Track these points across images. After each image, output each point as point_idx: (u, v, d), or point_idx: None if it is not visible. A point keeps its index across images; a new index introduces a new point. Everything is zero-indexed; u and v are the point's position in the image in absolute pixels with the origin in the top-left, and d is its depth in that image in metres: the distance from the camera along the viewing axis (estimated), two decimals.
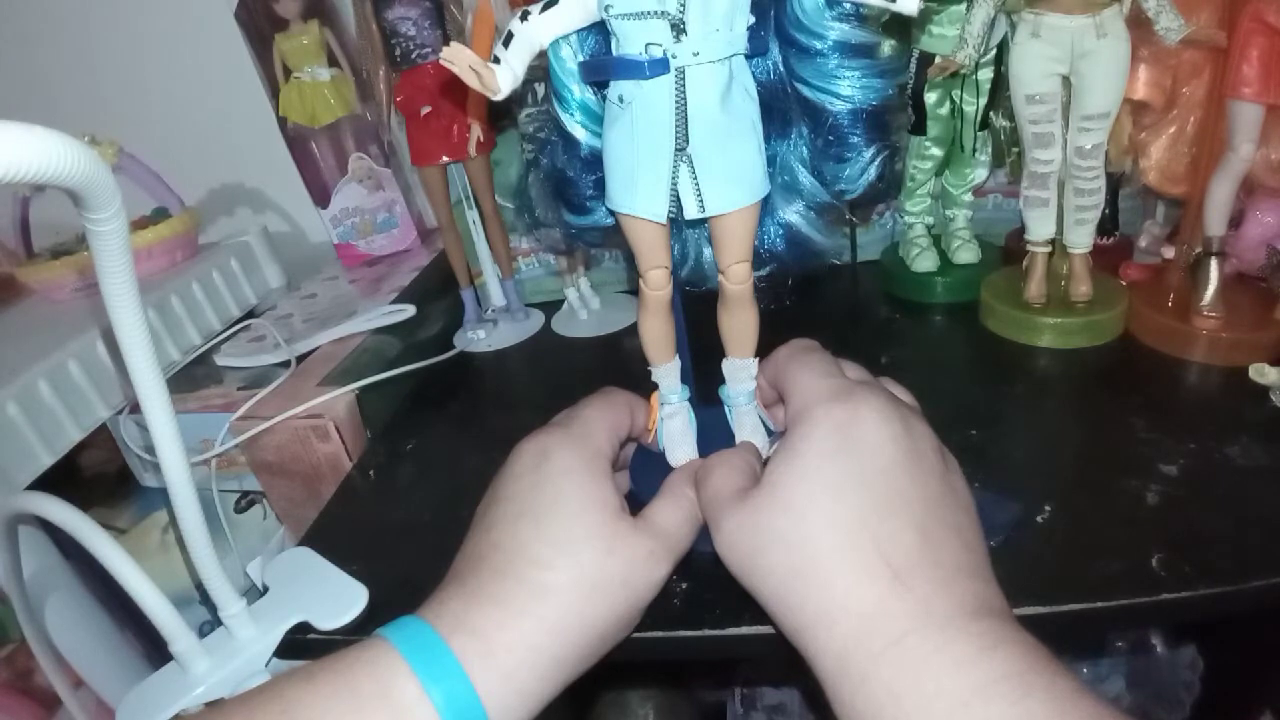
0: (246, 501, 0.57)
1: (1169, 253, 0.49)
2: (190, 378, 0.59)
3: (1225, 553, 0.31)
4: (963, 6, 0.46)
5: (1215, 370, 0.44)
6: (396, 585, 0.36)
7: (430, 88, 0.55)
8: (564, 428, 0.32)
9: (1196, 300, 0.44)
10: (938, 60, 0.47)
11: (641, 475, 0.37)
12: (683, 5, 0.26)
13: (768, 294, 0.33)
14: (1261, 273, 0.46)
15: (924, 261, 0.56)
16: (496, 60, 0.27)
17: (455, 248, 0.60)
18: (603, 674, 0.29)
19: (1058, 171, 0.46)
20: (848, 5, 0.28)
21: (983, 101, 0.51)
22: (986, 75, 0.50)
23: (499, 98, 0.27)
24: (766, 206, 0.32)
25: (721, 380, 0.36)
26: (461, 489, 0.34)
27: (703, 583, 0.33)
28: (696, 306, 0.35)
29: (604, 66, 0.29)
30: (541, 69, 0.31)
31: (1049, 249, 0.49)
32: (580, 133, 0.32)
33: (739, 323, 0.33)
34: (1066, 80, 0.44)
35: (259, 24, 0.67)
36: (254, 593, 0.38)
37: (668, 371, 0.35)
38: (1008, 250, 0.58)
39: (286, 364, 0.55)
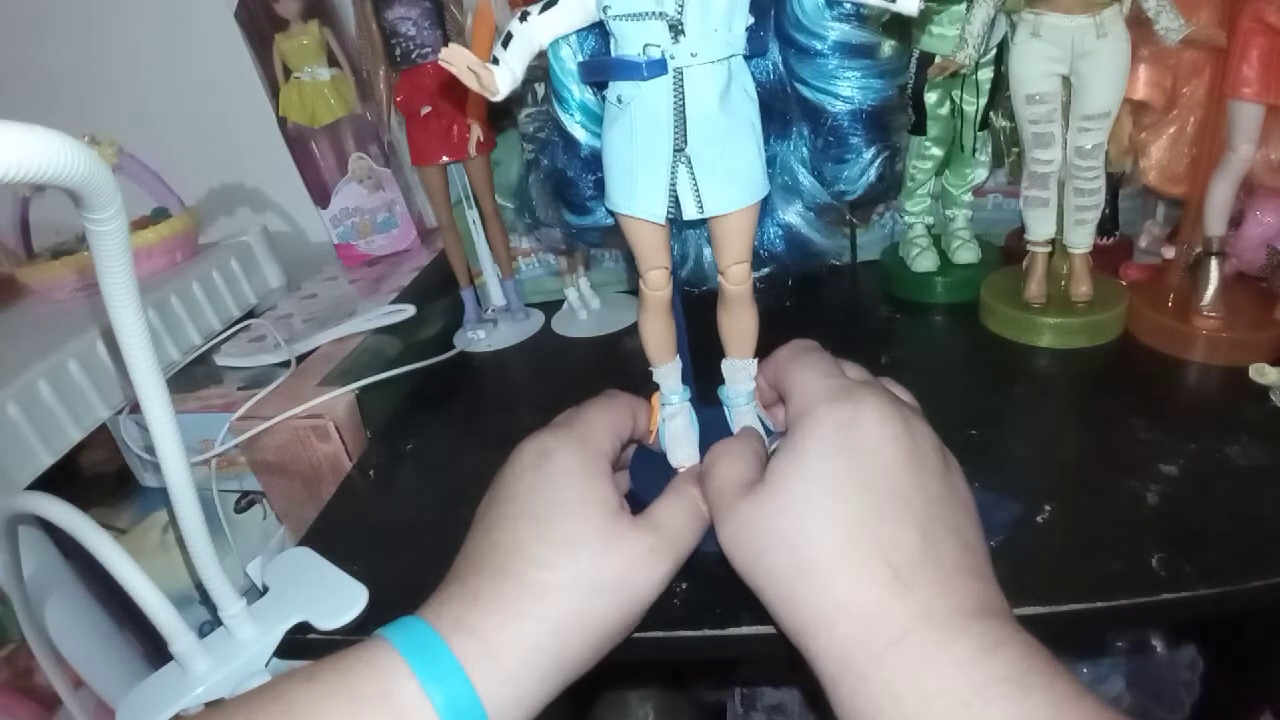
0: (246, 501, 0.57)
1: (1169, 253, 0.49)
2: (190, 378, 0.59)
3: (1225, 553, 0.31)
4: (963, 6, 0.46)
5: (1215, 370, 0.43)
6: (396, 585, 0.36)
7: (430, 88, 0.55)
8: (565, 428, 0.32)
9: (1196, 300, 0.44)
10: (938, 60, 0.47)
11: (641, 475, 0.37)
12: (680, 6, 0.26)
13: (767, 295, 0.33)
14: (1261, 273, 0.46)
15: (924, 261, 0.56)
16: (495, 61, 0.27)
17: (455, 248, 0.60)
18: (602, 674, 0.29)
19: (1058, 171, 0.46)
20: (848, 5, 0.28)
21: (983, 101, 0.51)
22: (986, 75, 0.50)
23: (498, 98, 0.27)
24: (766, 207, 0.32)
25: (720, 381, 0.36)
26: (461, 489, 0.34)
27: (703, 583, 0.33)
28: (696, 307, 0.35)
29: (603, 67, 0.29)
30: (541, 69, 0.31)
31: (1049, 249, 0.49)
32: (580, 133, 0.32)
33: (739, 323, 0.33)
34: (1066, 80, 0.44)
35: (259, 24, 0.67)
36: (254, 593, 0.38)
37: (668, 372, 0.35)
38: (1008, 250, 0.58)
39: (286, 364, 0.55)
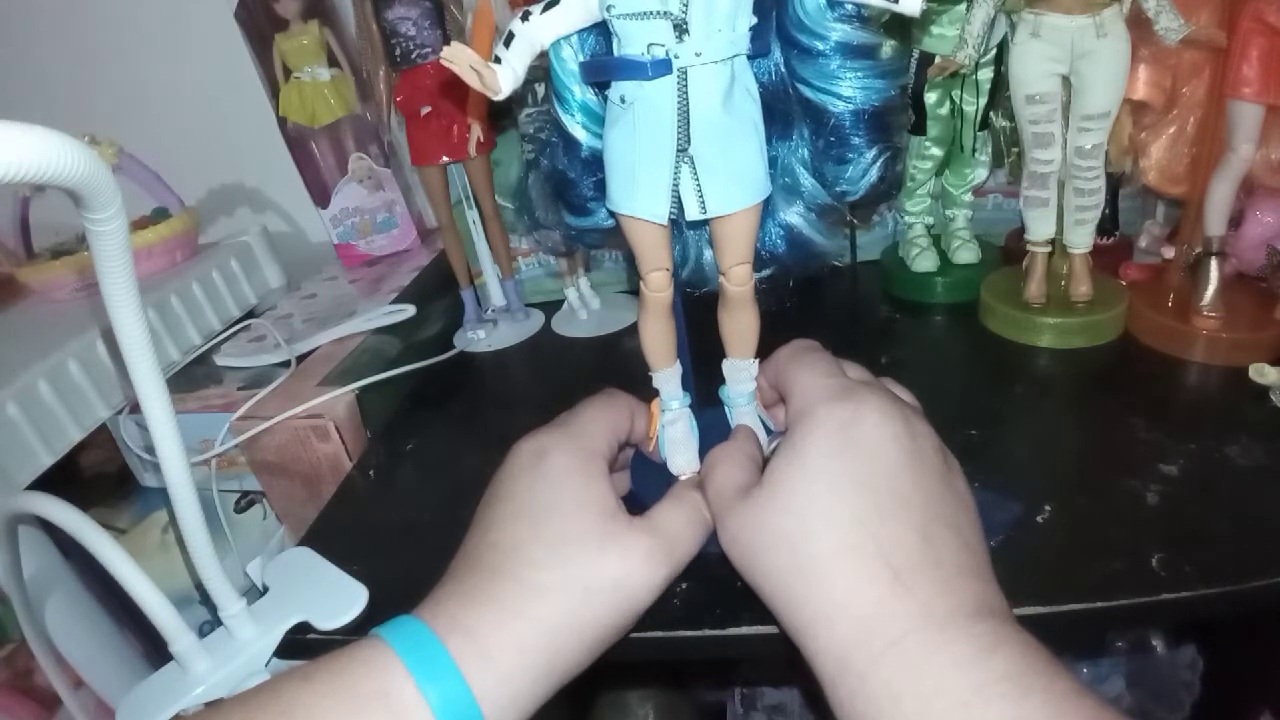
0: (246, 501, 0.57)
1: (1169, 253, 0.49)
2: (190, 378, 0.59)
3: (1225, 553, 0.31)
4: (963, 7, 0.46)
5: (1215, 370, 0.43)
6: (396, 585, 0.35)
7: (430, 88, 0.55)
8: (562, 428, 0.32)
9: (1196, 300, 0.44)
10: (938, 60, 0.47)
11: (642, 476, 0.37)
12: (685, 5, 0.26)
13: (768, 296, 0.33)
14: (1261, 273, 0.46)
15: (924, 261, 0.56)
16: (498, 60, 0.27)
17: (455, 248, 0.60)
18: (602, 674, 0.29)
19: (1058, 171, 0.46)
20: (849, 6, 0.28)
21: (983, 101, 0.51)
22: (986, 75, 0.50)
23: (500, 98, 0.27)
24: (767, 208, 0.32)
25: (720, 381, 0.36)
26: (461, 489, 0.34)
27: (703, 583, 0.33)
28: (695, 308, 0.35)
29: (605, 67, 0.29)
30: (542, 69, 0.31)
31: (1049, 249, 0.49)
32: (581, 134, 0.32)
33: (740, 324, 0.33)
34: (1066, 80, 0.44)
35: (259, 24, 0.67)
36: (254, 593, 0.38)
37: (668, 377, 0.35)
38: (1008, 250, 0.58)
39: (286, 364, 0.55)
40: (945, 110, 0.53)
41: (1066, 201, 0.47)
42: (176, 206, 0.72)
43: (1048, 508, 0.35)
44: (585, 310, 0.62)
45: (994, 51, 0.49)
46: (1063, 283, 0.49)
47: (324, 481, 0.49)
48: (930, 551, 0.26)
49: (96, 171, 0.22)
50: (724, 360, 0.35)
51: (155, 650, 0.55)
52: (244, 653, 0.34)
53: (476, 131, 0.55)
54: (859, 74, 0.29)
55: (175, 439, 0.31)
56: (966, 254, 0.56)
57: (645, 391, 0.36)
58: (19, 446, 0.48)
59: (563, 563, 0.28)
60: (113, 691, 0.51)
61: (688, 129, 0.28)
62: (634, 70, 0.27)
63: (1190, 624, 0.53)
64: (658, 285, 0.32)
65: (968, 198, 0.57)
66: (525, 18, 0.28)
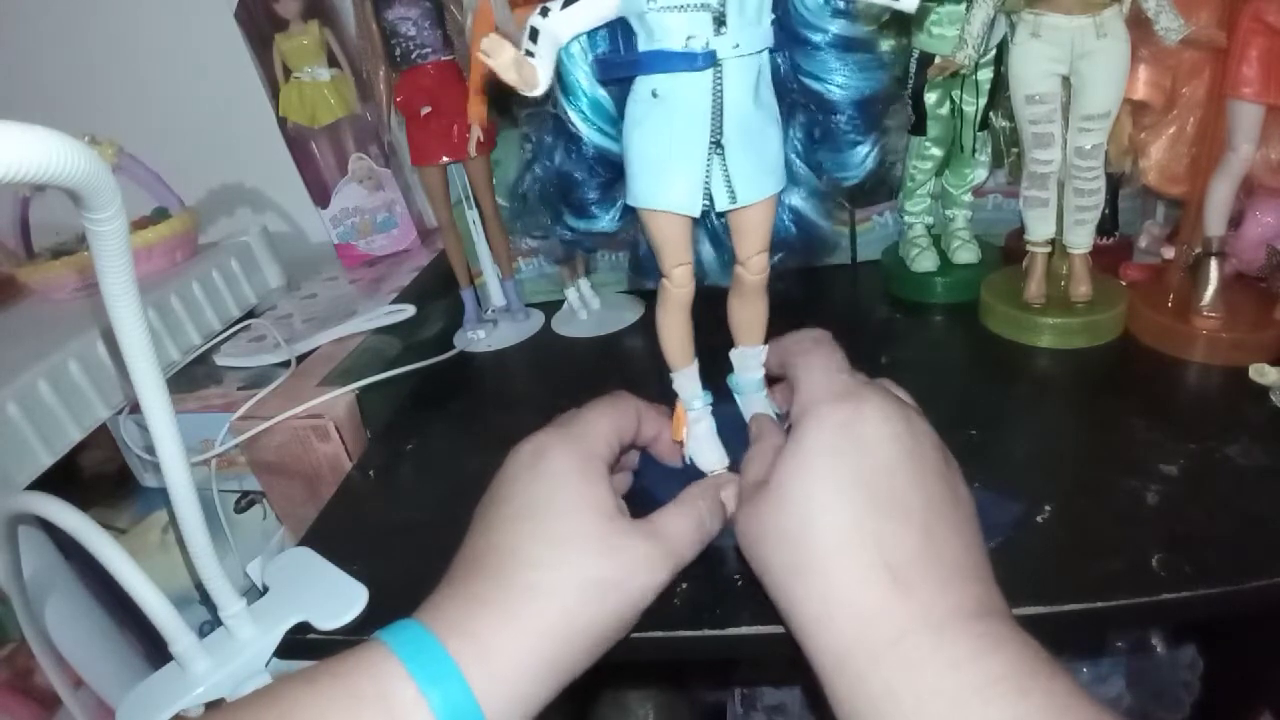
0: (246, 501, 0.57)
1: (1169, 253, 0.49)
2: (190, 378, 0.59)
3: (1225, 553, 0.31)
4: (963, 6, 0.46)
5: (1215, 370, 0.43)
6: (396, 585, 0.36)
7: (430, 88, 0.55)
8: (562, 428, 0.32)
9: (1196, 300, 0.44)
10: (938, 60, 0.47)
11: (651, 472, 0.37)
12: None
13: (772, 287, 0.34)
14: (1261, 273, 0.46)
15: (924, 261, 0.56)
16: (529, 55, 0.27)
17: (455, 248, 0.60)
18: (602, 674, 0.29)
19: (1057, 171, 0.46)
20: (846, 2, 0.28)
21: (983, 101, 0.51)
22: (986, 75, 0.50)
23: (537, 93, 0.27)
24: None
25: (720, 374, 0.36)
26: (461, 489, 0.34)
27: (703, 583, 0.33)
28: (694, 304, 0.35)
29: (638, 62, 0.29)
30: None
31: (1049, 249, 0.49)
32: (586, 130, 0.32)
33: (753, 312, 0.34)
34: (1066, 80, 0.44)
35: (259, 24, 0.67)
36: (254, 593, 0.38)
37: (689, 376, 0.35)
38: (1008, 250, 0.58)
39: (286, 364, 0.55)
40: (945, 110, 0.53)
41: (1066, 202, 0.47)
42: (176, 206, 0.72)
43: (1048, 508, 0.35)
44: (585, 310, 0.62)
45: (994, 52, 0.49)
46: (1063, 283, 0.49)
47: (324, 482, 0.49)
48: (930, 551, 0.26)
49: (96, 171, 0.22)
50: (733, 349, 0.35)
51: (155, 650, 0.55)
52: (244, 653, 0.34)
53: (476, 131, 0.55)
54: (855, 65, 0.29)
55: (175, 439, 0.31)
56: (966, 254, 0.56)
57: (645, 391, 0.36)
58: (19, 446, 0.48)
59: (562, 564, 0.28)
60: (113, 691, 0.51)
61: (721, 121, 0.28)
62: (677, 62, 0.27)
63: (1190, 624, 0.53)
64: (681, 280, 0.32)
65: (968, 198, 0.57)
66: (544, 13, 0.28)
